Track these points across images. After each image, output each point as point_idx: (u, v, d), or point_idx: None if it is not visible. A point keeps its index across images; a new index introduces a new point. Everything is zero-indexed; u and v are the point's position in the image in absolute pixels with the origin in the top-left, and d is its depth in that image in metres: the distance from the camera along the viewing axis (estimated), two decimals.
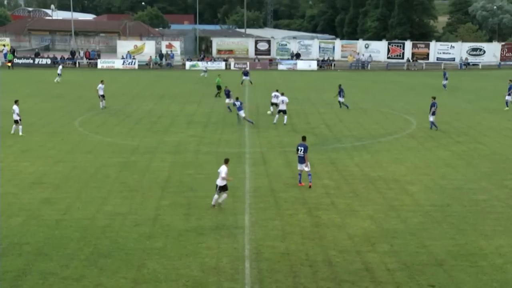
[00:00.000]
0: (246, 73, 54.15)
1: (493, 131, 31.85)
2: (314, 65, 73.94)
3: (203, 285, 13.44)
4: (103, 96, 38.97)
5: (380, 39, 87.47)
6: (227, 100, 38.01)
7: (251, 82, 52.76)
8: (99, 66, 71.72)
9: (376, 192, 20.42)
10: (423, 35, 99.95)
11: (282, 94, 34.54)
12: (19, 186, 20.68)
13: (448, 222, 17.49)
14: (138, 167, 23.73)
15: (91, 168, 23.40)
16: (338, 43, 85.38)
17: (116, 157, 25.32)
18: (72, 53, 76.04)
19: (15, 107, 29.54)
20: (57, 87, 50.75)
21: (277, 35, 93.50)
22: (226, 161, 18.74)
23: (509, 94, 39.00)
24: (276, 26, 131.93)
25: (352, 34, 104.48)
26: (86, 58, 74.77)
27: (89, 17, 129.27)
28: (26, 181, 21.36)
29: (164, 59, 75.27)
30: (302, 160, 20.72)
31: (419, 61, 77.57)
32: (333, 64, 74.96)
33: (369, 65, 73.98)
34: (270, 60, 77.75)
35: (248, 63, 74.04)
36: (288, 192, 20.33)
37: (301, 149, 20.74)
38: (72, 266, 14.29)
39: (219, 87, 45.59)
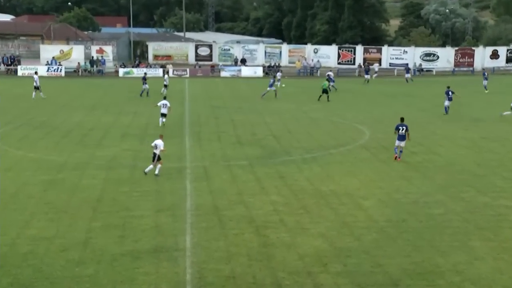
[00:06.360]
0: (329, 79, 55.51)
1: (448, 140, 32.92)
2: (259, 72, 74.51)
3: None
4: None
5: (330, 44, 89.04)
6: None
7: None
8: (19, 73, 69.82)
9: (327, 208, 20.70)
10: (375, 39, 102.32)
11: None
12: None
13: (403, 239, 17.92)
14: (66, 185, 23.21)
15: (11, 187, 22.69)
16: (285, 47, 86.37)
17: (41, 175, 24.68)
18: None
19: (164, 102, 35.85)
20: None
21: (219, 39, 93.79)
22: None
23: None
24: (218, 30, 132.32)
25: (300, 38, 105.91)
26: (4, 65, 72.66)
27: (7, 18, 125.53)
28: None
29: (94, 66, 74.14)
30: (403, 138, 26.54)
31: (371, 66, 79.37)
32: (280, 70, 75.75)
33: (318, 71, 75.14)
34: (212, 66, 77.86)
35: (188, 69, 73.89)
36: (233, 210, 20.34)
37: (403, 129, 26.53)
38: None
39: (325, 91, 49.25)
